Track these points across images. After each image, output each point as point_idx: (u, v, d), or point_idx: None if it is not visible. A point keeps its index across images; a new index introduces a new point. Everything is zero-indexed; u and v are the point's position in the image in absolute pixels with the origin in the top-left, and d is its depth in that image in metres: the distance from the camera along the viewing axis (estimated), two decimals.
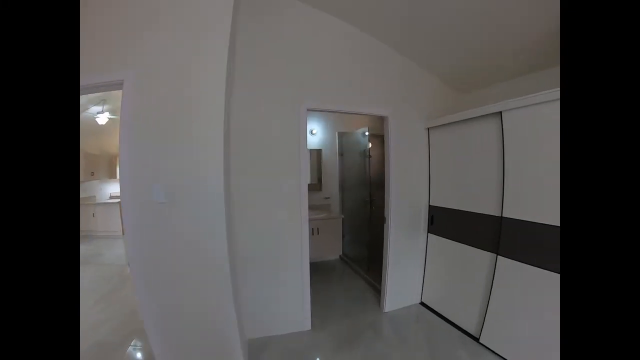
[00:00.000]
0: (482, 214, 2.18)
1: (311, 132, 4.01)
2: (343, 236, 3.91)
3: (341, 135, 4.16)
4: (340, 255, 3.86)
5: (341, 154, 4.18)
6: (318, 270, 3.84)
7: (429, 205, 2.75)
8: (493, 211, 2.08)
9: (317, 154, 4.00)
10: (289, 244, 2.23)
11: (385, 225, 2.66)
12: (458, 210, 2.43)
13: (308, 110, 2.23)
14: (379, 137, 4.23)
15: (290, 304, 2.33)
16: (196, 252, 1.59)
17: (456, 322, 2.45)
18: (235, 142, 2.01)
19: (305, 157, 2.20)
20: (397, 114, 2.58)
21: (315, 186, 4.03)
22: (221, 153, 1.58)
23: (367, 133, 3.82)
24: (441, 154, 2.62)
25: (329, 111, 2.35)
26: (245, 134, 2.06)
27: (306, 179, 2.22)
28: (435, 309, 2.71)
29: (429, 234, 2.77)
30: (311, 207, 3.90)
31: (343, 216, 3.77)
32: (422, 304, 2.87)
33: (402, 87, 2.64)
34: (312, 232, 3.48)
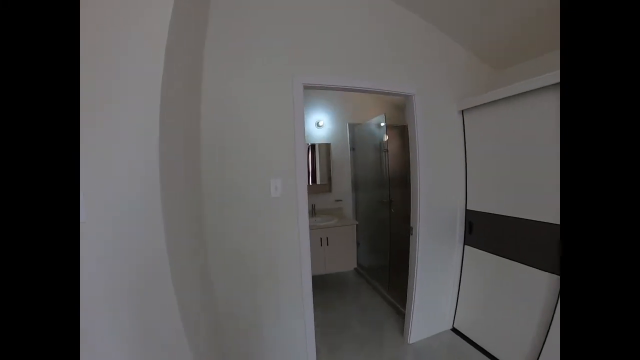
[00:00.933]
0: (538, 221, 1.61)
1: (317, 124, 3.48)
2: (358, 244, 3.36)
3: (352, 127, 3.60)
4: (355, 267, 3.32)
5: (353, 149, 3.63)
6: (328, 284, 3.31)
7: (466, 210, 2.16)
8: (553, 218, 1.53)
9: (325, 149, 3.46)
10: (284, 265, 1.71)
11: (411, 236, 2.10)
12: (504, 216, 1.84)
13: (306, 87, 1.69)
14: (396, 129, 3.66)
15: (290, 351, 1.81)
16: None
17: (498, 356, 1.89)
18: (209, 131, 1.51)
19: (301, 148, 1.67)
20: (425, 92, 2.01)
21: (323, 187, 3.49)
22: (155, 151, 0.93)
23: (383, 124, 3.25)
24: (481, 143, 2.03)
25: (335, 88, 1.79)
26: (222, 120, 1.55)
27: (304, 177, 1.70)
28: (470, 337, 2.14)
29: (465, 245, 2.18)
30: (320, 212, 3.40)
31: (357, 222, 3.21)
32: (455, 330, 2.29)
33: (430, 60, 2.07)
34: (321, 242, 2.95)
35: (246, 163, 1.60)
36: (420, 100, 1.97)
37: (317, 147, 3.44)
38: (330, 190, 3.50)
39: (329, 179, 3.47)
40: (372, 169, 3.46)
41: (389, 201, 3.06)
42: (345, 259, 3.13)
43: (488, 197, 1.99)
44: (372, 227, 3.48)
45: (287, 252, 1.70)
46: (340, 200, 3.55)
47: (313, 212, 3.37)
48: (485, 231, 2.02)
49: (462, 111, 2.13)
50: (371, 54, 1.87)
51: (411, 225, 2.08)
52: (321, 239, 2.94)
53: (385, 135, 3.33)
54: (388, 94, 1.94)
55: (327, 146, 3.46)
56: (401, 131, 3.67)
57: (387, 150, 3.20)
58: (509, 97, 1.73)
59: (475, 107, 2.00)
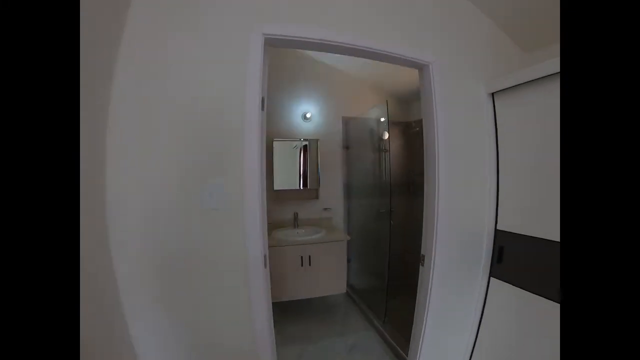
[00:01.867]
0: None
1: (304, 116, 2.90)
2: (349, 261, 2.78)
3: (347, 121, 3.02)
4: (346, 290, 2.72)
5: (347, 147, 3.04)
6: (313, 309, 2.71)
7: (496, 230, 1.58)
8: None
9: (313, 146, 2.87)
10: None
11: (422, 268, 1.51)
12: (549, 240, 1.27)
13: (269, 38, 1.12)
14: (399, 125, 3.09)
15: None
16: None
17: None
18: (124, 104, 0.94)
19: (254, 134, 1.09)
20: (445, 64, 1.44)
21: (309, 193, 2.90)
22: None
23: (383, 119, 2.69)
24: (519, 138, 1.46)
25: (312, 45, 1.20)
26: (139, 90, 0.98)
27: (256, 177, 1.10)
28: None
29: (491, 277, 1.60)
30: (304, 223, 2.79)
31: (349, 237, 2.62)
32: None
33: (453, 28, 1.52)
34: (302, 261, 2.35)
35: (170, 154, 1.02)
36: (438, 73, 1.39)
37: (303, 145, 2.85)
38: (317, 197, 2.91)
39: (317, 182, 2.88)
40: (369, 171, 2.89)
41: (389, 211, 2.48)
42: (332, 280, 2.54)
43: (527, 214, 1.41)
44: (367, 242, 2.90)
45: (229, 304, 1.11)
46: (329, 209, 2.95)
47: (295, 222, 2.78)
48: (520, 260, 1.45)
49: (493, 95, 1.56)
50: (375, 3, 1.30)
51: (423, 253, 1.50)
52: (302, 257, 2.35)
53: (386, 133, 2.77)
54: (394, 59, 1.35)
55: (315, 143, 2.87)
56: (405, 128, 3.10)
57: (388, 150, 2.63)
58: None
59: (512, 89, 1.44)
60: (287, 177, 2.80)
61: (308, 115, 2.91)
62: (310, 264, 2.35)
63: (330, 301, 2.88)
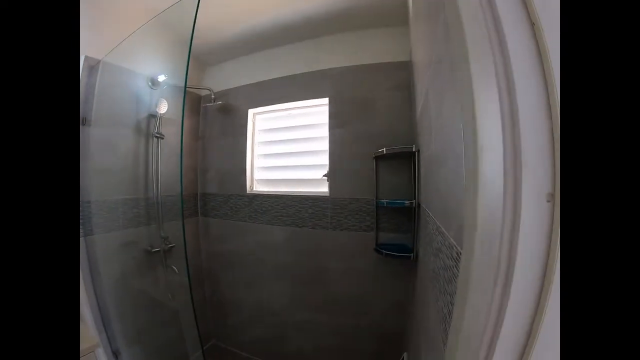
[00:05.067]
0: None
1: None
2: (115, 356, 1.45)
3: (93, 66, 1.47)
4: None
5: (85, 122, 1.53)
6: None
7: None
8: None
9: None
10: None
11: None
12: None
13: None
14: (189, 95, 1.90)
15: None
16: None
17: None
18: None
19: None
20: None
21: None
22: None
23: (162, 77, 1.46)
24: None
25: None
26: None
27: None
28: None
29: None
30: None
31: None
32: None
33: None
34: None
35: None
36: None
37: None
38: None
39: None
40: (126, 174, 1.58)
41: (162, 251, 1.32)
42: None
43: None
44: (139, 307, 1.63)
45: None
46: None
47: None
48: None
49: None
50: None
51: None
52: None
53: (163, 103, 1.55)
54: None
55: None
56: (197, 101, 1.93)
57: (161, 136, 1.43)
58: None
59: None
60: None
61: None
62: None
63: None
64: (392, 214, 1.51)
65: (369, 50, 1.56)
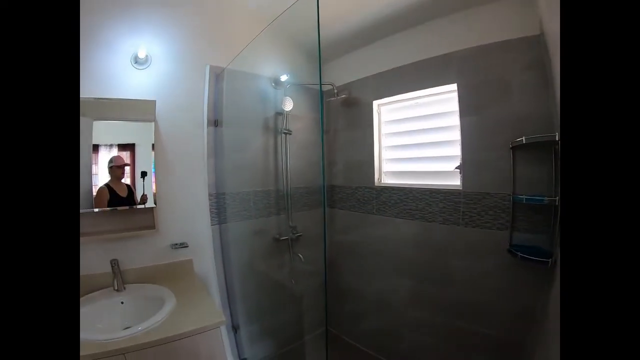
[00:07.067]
0: None
1: (135, 58, 1.41)
2: (235, 330, 1.65)
3: (219, 74, 1.66)
4: None
5: (217, 124, 1.71)
6: None
7: None
8: None
9: (141, 113, 1.44)
10: None
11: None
12: None
13: None
14: (309, 92, 1.96)
15: None
16: None
17: None
18: None
19: None
20: None
21: (140, 218, 1.47)
22: None
23: (285, 77, 1.52)
24: None
25: None
26: None
27: None
28: None
29: None
30: (134, 280, 1.32)
31: (224, 319, 1.43)
32: None
33: None
34: None
35: None
36: None
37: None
38: (154, 226, 1.50)
39: (153, 195, 1.46)
40: (257, 170, 1.70)
41: (289, 239, 1.41)
42: None
43: None
44: (262, 293, 1.78)
45: None
46: (184, 246, 1.58)
47: (115, 281, 1.37)
48: None
49: None
50: None
51: None
52: None
53: (288, 101, 1.62)
54: None
55: (149, 107, 1.44)
56: (316, 95, 1.98)
57: (289, 132, 1.50)
58: None
59: None
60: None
61: (141, 55, 1.46)
62: None
63: None
64: (528, 212, 1.34)
65: (492, 27, 1.39)
